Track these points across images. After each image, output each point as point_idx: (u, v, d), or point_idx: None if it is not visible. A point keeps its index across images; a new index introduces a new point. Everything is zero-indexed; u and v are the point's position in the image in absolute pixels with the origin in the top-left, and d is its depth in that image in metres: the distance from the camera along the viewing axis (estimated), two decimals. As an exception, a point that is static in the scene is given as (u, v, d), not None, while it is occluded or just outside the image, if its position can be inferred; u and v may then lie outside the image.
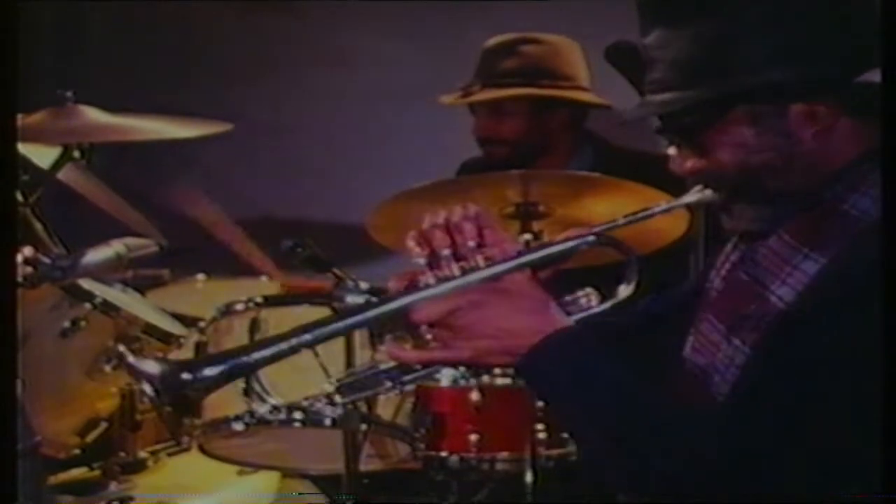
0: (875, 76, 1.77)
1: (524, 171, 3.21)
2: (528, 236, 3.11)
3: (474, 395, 3.20)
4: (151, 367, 1.85)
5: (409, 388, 2.05)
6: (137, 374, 1.89)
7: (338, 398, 1.96)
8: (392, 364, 1.94)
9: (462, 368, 3.25)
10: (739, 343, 1.85)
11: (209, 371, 1.84)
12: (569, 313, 1.93)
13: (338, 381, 2.01)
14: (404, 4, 4.48)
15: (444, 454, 3.23)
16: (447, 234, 1.91)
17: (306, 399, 1.94)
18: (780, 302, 1.80)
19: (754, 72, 1.79)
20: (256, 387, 1.89)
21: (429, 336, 1.87)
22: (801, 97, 1.80)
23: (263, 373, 2.43)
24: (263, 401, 1.97)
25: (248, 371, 2.06)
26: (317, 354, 2.40)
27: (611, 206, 3.05)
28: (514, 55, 3.66)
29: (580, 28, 3.78)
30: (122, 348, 3.10)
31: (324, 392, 1.99)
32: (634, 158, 3.59)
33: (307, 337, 1.87)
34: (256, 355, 1.87)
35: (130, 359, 3.03)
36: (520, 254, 1.90)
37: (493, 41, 3.72)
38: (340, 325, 1.90)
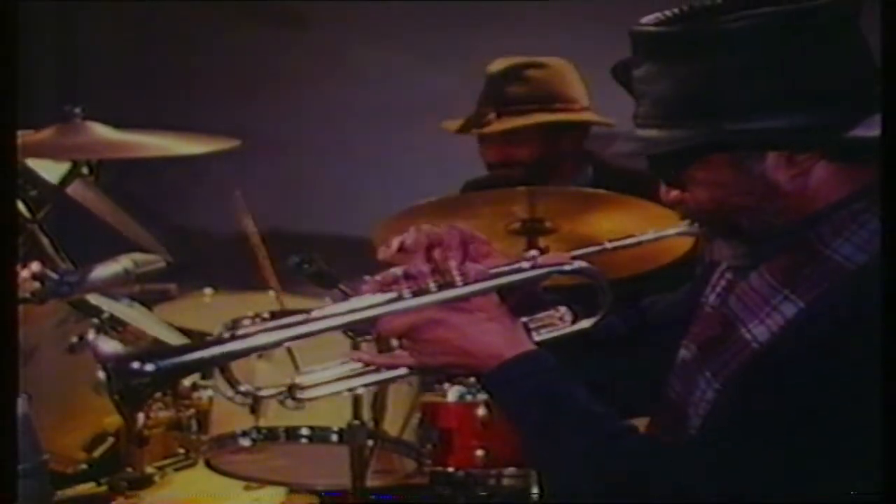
0: (864, 131, 1.73)
1: (531, 187, 3.21)
2: (534, 252, 3.11)
3: (481, 411, 3.21)
4: (109, 347, 1.79)
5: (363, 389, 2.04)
6: (95, 354, 1.83)
7: (298, 394, 1.93)
8: (356, 365, 1.93)
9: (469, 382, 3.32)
10: (710, 376, 1.84)
11: (161, 363, 1.77)
12: (540, 330, 1.93)
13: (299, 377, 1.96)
14: (412, 20, 4.49)
15: (450, 469, 3.24)
16: (427, 249, 1.94)
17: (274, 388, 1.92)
18: (755, 342, 1.79)
19: (740, 119, 1.76)
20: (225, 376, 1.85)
21: (394, 343, 1.89)
22: (785, 146, 1.78)
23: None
24: (233, 388, 1.92)
25: (204, 368, 2.00)
26: (290, 351, 2.37)
27: (617, 223, 3.06)
28: (522, 80, 3.62)
29: (592, 49, 3.75)
30: (91, 332, 3.00)
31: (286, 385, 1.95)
32: (631, 178, 3.57)
33: (265, 339, 1.86)
34: (213, 352, 1.84)
35: (91, 335, 2.95)
36: (494, 275, 1.90)
37: (496, 66, 3.67)
38: (303, 329, 1.88)
